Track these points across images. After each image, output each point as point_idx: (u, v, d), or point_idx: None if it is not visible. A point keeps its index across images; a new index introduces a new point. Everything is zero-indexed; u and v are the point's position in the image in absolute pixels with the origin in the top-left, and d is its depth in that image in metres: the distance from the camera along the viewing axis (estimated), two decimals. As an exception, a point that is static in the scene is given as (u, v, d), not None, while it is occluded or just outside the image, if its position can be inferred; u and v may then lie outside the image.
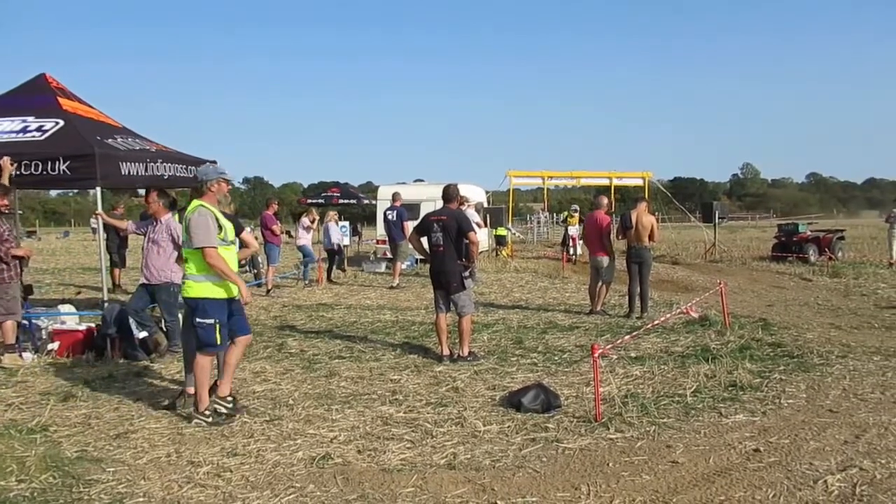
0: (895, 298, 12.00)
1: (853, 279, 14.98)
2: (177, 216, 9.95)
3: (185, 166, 9.48)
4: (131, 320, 7.83)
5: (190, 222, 5.39)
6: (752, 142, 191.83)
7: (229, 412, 5.54)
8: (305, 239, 15.39)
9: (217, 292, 5.45)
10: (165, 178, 8.95)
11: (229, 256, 5.54)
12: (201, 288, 5.43)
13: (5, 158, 7.49)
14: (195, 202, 5.54)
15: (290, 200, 61.23)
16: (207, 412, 5.46)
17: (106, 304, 8.22)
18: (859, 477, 4.19)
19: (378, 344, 8.54)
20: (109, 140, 8.64)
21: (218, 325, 5.42)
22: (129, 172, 8.35)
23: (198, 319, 5.43)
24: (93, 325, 8.26)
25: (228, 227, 5.58)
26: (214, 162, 10.17)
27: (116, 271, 14.57)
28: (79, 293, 13.78)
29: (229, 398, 5.63)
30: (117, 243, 14.43)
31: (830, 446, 4.74)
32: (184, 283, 5.53)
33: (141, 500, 4.10)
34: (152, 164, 8.77)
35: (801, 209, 73.98)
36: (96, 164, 7.86)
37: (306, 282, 15.05)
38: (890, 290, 13.05)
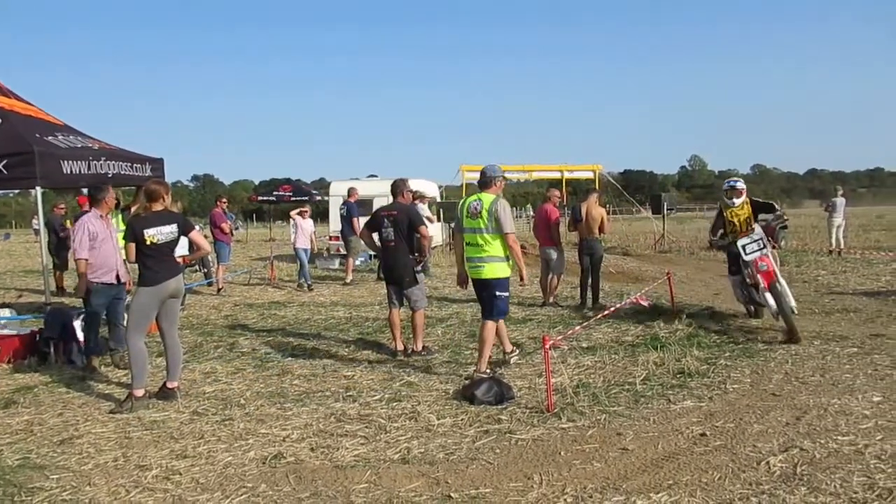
0: (835, 285, 12.42)
1: (795, 267, 15.44)
2: (120, 216, 9.75)
3: (129, 164, 9.26)
4: (76, 323, 7.61)
5: (499, 210, 6.26)
6: (699, 134, 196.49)
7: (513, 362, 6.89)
8: (305, 242, 14.28)
9: (509, 271, 6.40)
10: (109, 176, 8.72)
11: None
12: (505, 267, 6.36)
13: None
14: (490, 195, 6.41)
15: (241, 198, 60.39)
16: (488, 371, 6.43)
17: (48, 308, 7.99)
18: (800, 457, 4.34)
19: (331, 341, 8.48)
20: (49, 138, 8.39)
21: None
22: (71, 171, 8.13)
23: (499, 293, 6.38)
24: (35, 328, 8.01)
25: None
26: (161, 159, 9.99)
27: (59, 274, 14.15)
28: (20, 296, 13.35)
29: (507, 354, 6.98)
30: (55, 244, 13.99)
31: (773, 428, 4.89)
32: (486, 265, 6.34)
33: (87, 506, 4.00)
34: (95, 162, 8.54)
35: (747, 200, 75.63)
36: (36, 162, 7.62)
37: (308, 283, 14.03)
38: (830, 277, 13.50)
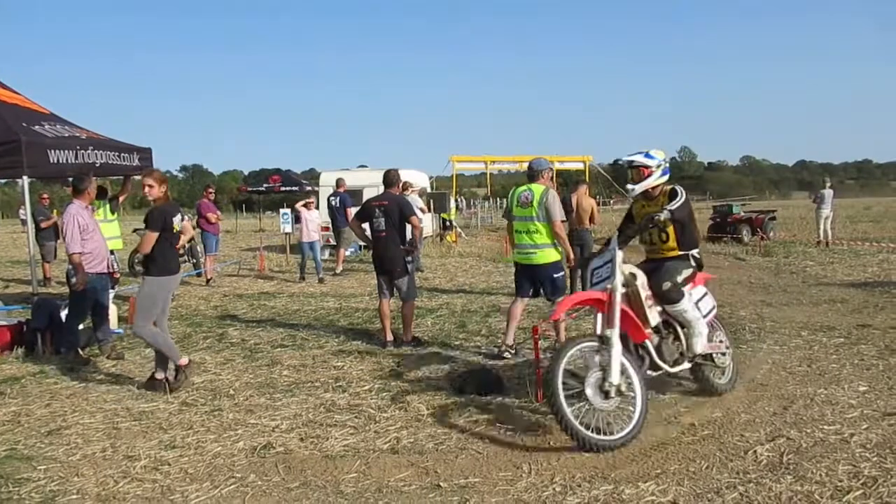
0: (822, 275, 12.50)
1: (784, 258, 15.54)
2: (108, 205, 9.67)
3: (117, 153, 9.18)
4: (63, 314, 7.56)
5: (549, 200, 6.68)
6: (689, 126, 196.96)
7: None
8: (311, 234, 13.72)
9: (559, 255, 6.86)
10: (97, 165, 8.65)
11: None
12: (555, 252, 6.81)
13: None
14: (540, 186, 6.84)
15: (231, 188, 60.07)
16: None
17: (35, 298, 7.93)
18: (786, 446, 4.37)
19: (321, 331, 8.47)
20: (36, 127, 8.30)
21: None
22: (58, 160, 8.05)
23: (556, 275, 6.84)
24: (22, 319, 7.96)
25: None
26: (149, 149, 9.91)
27: (46, 265, 14.04)
28: (6, 287, 13.26)
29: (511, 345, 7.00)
30: (37, 234, 13.82)
31: (760, 418, 4.92)
32: (538, 251, 6.77)
33: (75, 497, 3.98)
34: (83, 151, 8.46)
35: (735, 191, 76.23)
36: (22, 152, 7.54)
37: (302, 275, 13.76)
38: (818, 268, 13.59)
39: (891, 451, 4.22)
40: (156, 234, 5.91)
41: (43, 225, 13.93)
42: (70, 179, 7.74)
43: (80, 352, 7.22)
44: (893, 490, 3.71)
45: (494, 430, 4.87)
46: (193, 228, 10.75)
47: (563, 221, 6.81)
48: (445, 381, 6.10)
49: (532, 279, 6.97)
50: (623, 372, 4.57)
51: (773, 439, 4.49)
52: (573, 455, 4.38)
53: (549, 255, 6.80)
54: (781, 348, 6.93)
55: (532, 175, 6.98)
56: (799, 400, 5.28)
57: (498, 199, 48.55)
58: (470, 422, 5.05)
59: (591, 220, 10.73)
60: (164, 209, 6.01)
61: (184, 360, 6.05)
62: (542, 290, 6.98)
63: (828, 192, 18.58)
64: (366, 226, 7.76)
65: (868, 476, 3.89)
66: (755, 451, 4.30)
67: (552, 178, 11.39)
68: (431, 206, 19.99)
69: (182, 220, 6.25)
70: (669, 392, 5.59)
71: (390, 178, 7.77)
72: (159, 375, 6.09)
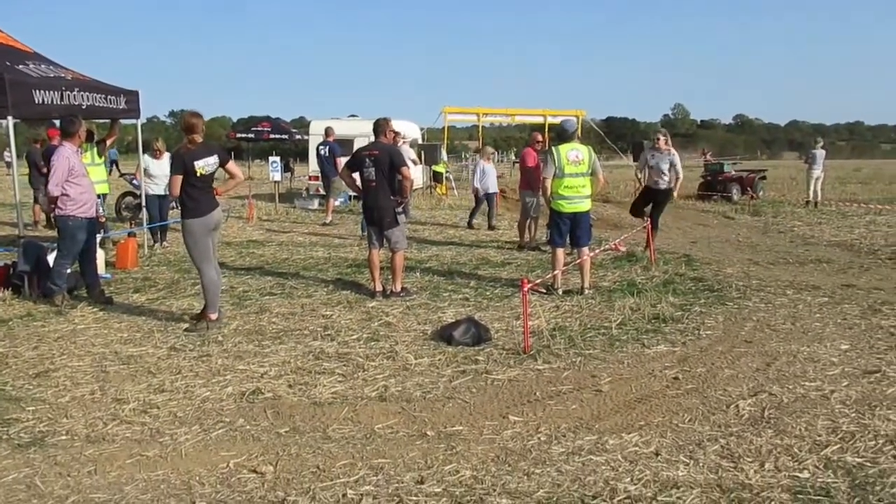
0: (810, 236, 12.57)
1: (772, 217, 15.59)
2: (95, 149, 9.53)
3: (103, 96, 9.01)
4: (50, 257, 7.51)
5: (595, 160, 7.69)
6: (683, 83, 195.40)
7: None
8: None
9: None
10: (83, 107, 8.48)
11: None
12: (591, 202, 7.84)
13: None
14: (584, 146, 7.71)
15: (219, 135, 59.29)
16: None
17: (22, 241, 7.86)
18: (768, 401, 4.45)
19: (310, 280, 8.47)
20: (20, 66, 8.11)
21: None
22: (43, 101, 7.88)
23: (590, 223, 8.01)
24: (8, 262, 7.90)
25: None
26: (136, 92, 9.72)
27: (37, 207, 13.89)
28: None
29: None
30: (36, 178, 13.61)
31: (743, 374, 5.00)
32: (585, 200, 7.67)
33: (64, 437, 4.01)
34: (68, 92, 8.29)
35: (727, 150, 76.04)
36: (6, 90, 7.38)
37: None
38: (805, 228, 13.66)
39: (869, 408, 4.31)
40: (178, 177, 6.01)
41: (45, 171, 13.65)
42: (57, 122, 7.60)
43: (68, 295, 7.19)
44: (870, 445, 3.80)
45: (481, 380, 4.93)
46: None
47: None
48: (434, 331, 6.13)
49: (573, 227, 7.76)
50: None
51: (756, 394, 4.58)
52: (558, 406, 4.45)
53: (590, 204, 7.83)
54: (767, 306, 7.00)
55: (569, 137, 7.68)
56: (782, 357, 5.36)
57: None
58: (457, 371, 5.11)
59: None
60: (183, 153, 6.05)
61: (214, 315, 6.24)
62: (575, 237, 7.82)
63: (819, 153, 18.53)
64: (356, 175, 7.68)
65: (846, 431, 3.98)
66: (737, 406, 4.38)
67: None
68: (422, 158, 19.82)
69: (216, 163, 6.20)
70: (655, 346, 5.66)
71: (379, 127, 7.66)
72: (212, 315, 6.28)
